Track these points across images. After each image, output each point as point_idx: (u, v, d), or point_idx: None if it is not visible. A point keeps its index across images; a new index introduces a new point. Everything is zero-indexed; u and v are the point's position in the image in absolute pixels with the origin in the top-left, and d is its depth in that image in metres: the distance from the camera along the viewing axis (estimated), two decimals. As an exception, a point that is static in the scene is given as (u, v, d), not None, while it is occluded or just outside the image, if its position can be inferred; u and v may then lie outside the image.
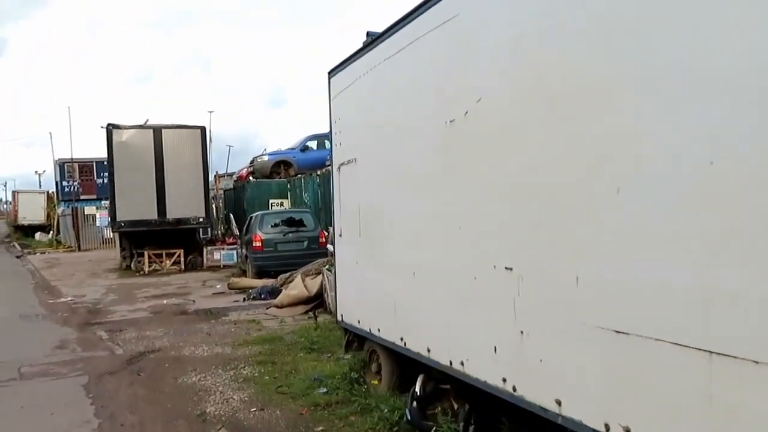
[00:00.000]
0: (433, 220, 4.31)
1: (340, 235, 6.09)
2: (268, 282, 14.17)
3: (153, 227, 19.17)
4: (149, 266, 19.65)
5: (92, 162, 40.94)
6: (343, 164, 5.93)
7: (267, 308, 11.24)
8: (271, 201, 22.28)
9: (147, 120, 19.75)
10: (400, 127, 4.74)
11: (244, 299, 12.59)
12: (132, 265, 20.22)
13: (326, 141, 25.16)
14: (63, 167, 40.70)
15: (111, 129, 18.79)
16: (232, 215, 22.11)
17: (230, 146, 54.84)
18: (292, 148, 24.08)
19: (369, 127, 5.35)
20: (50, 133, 44.32)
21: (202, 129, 19.73)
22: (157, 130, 19.24)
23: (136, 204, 18.84)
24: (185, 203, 19.38)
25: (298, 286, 11.26)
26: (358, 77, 5.50)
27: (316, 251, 15.17)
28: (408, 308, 4.74)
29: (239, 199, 23.63)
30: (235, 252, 20.38)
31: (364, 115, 5.45)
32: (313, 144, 24.47)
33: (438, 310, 4.27)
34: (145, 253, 19.61)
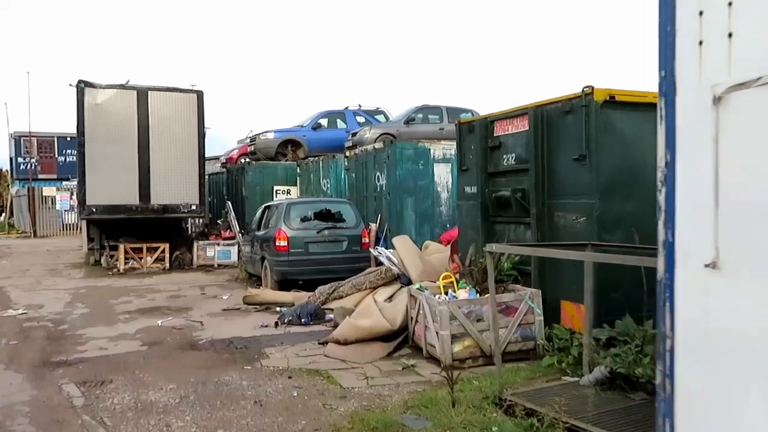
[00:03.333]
0: None
1: (714, 267, 2.44)
2: (298, 295, 10.42)
3: (133, 215, 15.19)
4: (125, 263, 15.68)
5: (53, 137, 36.54)
6: (744, 85, 2.28)
7: (322, 343, 7.53)
8: (275, 188, 18.50)
9: (128, 81, 15.64)
10: None
11: (277, 324, 8.83)
12: (102, 261, 16.26)
13: (338, 120, 21.36)
14: (19, 141, 36.03)
15: (83, 87, 14.66)
16: (230, 204, 18.15)
17: (207, 128, 50.15)
18: (302, 126, 20.21)
19: None
20: (5, 103, 38.93)
21: (200, 94, 15.75)
22: (143, 92, 15.19)
23: (113, 185, 14.86)
24: (175, 186, 15.50)
25: (371, 314, 7.57)
26: None
27: (357, 255, 11.53)
28: None
29: (235, 184, 19.69)
30: (232, 249, 16.61)
31: None
32: (324, 122, 20.69)
33: None
34: (121, 246, 15.63)
